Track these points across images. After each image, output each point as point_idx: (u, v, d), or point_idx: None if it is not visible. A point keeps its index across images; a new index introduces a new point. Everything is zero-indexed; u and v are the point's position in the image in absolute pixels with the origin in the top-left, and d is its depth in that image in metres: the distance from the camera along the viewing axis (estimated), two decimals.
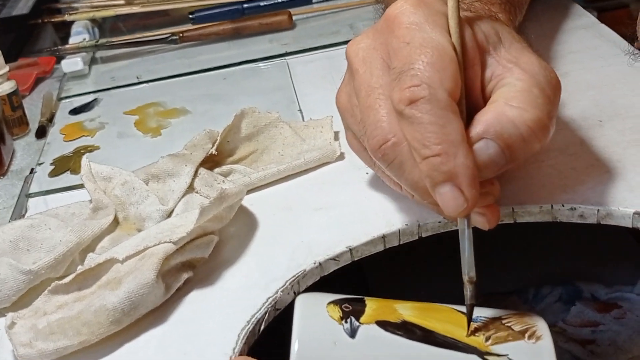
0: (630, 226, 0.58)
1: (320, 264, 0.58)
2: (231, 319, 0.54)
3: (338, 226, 0.61)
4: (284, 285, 0.56)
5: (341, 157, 0.70)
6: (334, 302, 0.51)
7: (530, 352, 0.49)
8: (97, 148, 0.78)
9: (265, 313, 0.54)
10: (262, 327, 0.54)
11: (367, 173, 0.67)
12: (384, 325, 0.49)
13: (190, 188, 0.64)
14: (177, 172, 0.64)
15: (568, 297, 0.74)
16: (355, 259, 0.59)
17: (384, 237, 0.60)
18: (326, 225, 0.61)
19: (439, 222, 0.60)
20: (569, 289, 0.75)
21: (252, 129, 0.71)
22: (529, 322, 0.51)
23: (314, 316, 0.50)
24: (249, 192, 0.66)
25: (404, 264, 0.78)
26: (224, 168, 0.68)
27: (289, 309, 0.56)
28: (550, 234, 0.61)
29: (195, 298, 0.56)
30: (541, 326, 0.51)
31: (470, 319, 0.50)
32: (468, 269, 0.51)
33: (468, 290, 0.51)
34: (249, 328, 0.53)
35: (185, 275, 0.57)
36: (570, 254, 0.78)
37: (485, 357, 0.48)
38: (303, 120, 0.77)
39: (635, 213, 0.57)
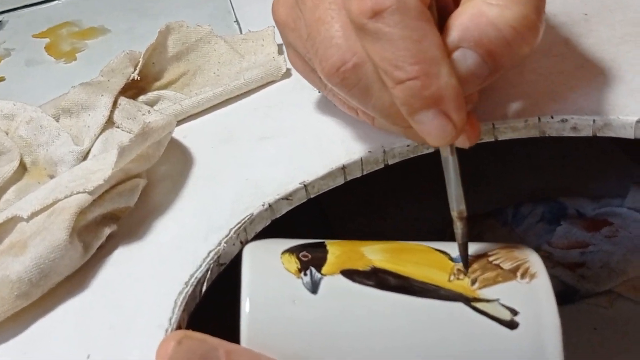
0: (632, 137, 0.49)
1: (270, 205, 0.48)
2: (166, 281, 0.44)
3: (289, 158, 0.51)
4: (228, 235, 0.47)
5: (287, 74, 0.60)
6: (290, 251, 0.43)
7: (524, 293, 0.41)
8: (2, 79, 0.67)
9: (207, 271, 0.45)
10: (204, 289, 0.45)
11: (319, 92, 0.57)
12: (351, 274, 0.41)
13: (110, 122, 0.54)
14: (92, 103, 0.54)
15: (551, 215, 0.65)
16: (312, 196, 0.50)
17: (344, 168, 0.50)
18: (275, 158, 0.52)
19: (407, 145, 0.51)
20: (551, 207, 0.66)
21: (181, 47, 0.60)
22: (519, 257, 0.44)
23: (267, 270, 0.42)
24: (181, 122, 0.56)
25: (371, 198, 0.69)
26: (150, 95, 0.58)
27: (236, 262, 0.46)
28: (526, 147, 0.53)
29: (121, 257, 0.47)
30: (534, 261, 0.43)
31: (466, 262, 0.42)
32: (456, 202, 0.43)
33: (459, 228, 0.43)
34: (187, 291, 0.44)
35: (107, 231, 0.47)
36: (550, 168, 0.70)
37: (473, 303, 0.41)
38: (241, 33, 0.66)
39: (638, 122, 0.48)
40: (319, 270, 0.41)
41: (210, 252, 0.46)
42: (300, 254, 0.42)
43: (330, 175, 0.50)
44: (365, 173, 0.51)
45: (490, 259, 0.44)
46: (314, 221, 0.69)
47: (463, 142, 0.45)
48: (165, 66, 0.60)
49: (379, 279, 0.41)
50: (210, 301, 0.46)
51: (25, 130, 0.53)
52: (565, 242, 0.63)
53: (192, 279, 0.44)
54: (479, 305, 0.41)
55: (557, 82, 0.53)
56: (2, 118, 0.54)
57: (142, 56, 0.58)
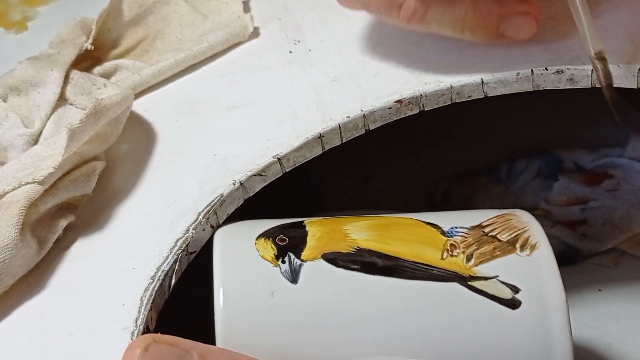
0: (635, 87, 0.45)
1: (241, 183, 0.44)
2: (130, 276, 0.40)
3: (260, 129, 0.47)
4: (196, 220, 0.42)
5: (255, 33, 0.55)
6: (265, 235, 0.40)
7: (525, 267, 0.39)
8: None
9: (176, 262, 0.41)
10: (174, 282, 0.41)
11: (290, 52, 0.53)
12: (334, 258, 0.38)
13: (63, 99, 0.49)
14: (41, 80, 0.49)
15: (548, 170, 0.61)
16: (288, 170, 0.46)
17: (321, 136, 0.46)
18: (244, 130, 0.47)
19: (389, 108, 0.46)
20: (547, 160, 0.62)
21: (138, 10, 0.55)
22: (517, 227, 0.41)
23: (241, 258, 0.38)
24: (140, 93, 0.52)
25: (354, 161, 0.65)
26: (107, 66, 0.53)
27: (208, 250, 0.42)
28: (519, 98, 0.49)
29: (80, 251, 0.42)
30: (534, 230, 0.41)
31: (616, 106, 0.42)
32: (592, 43, 0.41)
33: (600, 70, 0.41)
34: (154, 287, 0.39)
35: (63, 222, 0.42)
36: (545, 119, 0.66)
37: (469, 282, 0.38)
38: None
39: None
40: (298, 255, 0.38)
41: (177, 240, 0.42)
42: (277, 238, 0.39)
43: (306, 145, 0.46)
44: (344, 141, 0.47)
45: (486, 230, 0.41)
46: (295, 191, 0.65)
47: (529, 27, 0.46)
48: (122, 32, 0.55)
49: (365, 261, 0.38)
50: (180, 296, 0.42)
51: None
52: (564, 198, 0.59)
53: (159, 273, 0.40)
54: (476, 284, 0.38)
55: (550, 30, 0.48)
56: None
57: (95, 23, 0.53)
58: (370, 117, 0.46)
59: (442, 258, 0.39)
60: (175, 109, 0.50)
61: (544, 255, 0.39)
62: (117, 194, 0.45)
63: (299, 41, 0.54)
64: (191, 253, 0.42)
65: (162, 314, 0.40)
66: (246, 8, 0.56)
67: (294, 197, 0.67)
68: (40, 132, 0.47)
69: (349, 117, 0.46)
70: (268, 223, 0.41)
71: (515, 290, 0.38)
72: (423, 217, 0.42)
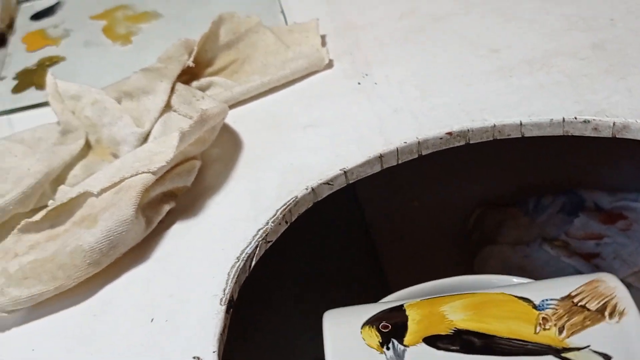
0: None
1: (313, 189, 0.53)
2: (219, 255, 0.49)
3: (330, 145, 0.56)
4: (274, 215, 0.51)
5: (329, 65, 0.64)
6: (369, 323, 0.42)
7: (615, 335, 0.40)
8: (63, 59, 0.71)
9: (256, 247, 0.50)
10: (254, 263, 0.50)
11: (359, 83, 0.62)
12: (434, 341, 0.41)
13: (168, 106, 0.59)
14: (152, 89, 0.58)
15: (571, 207, 0.70)
16: (351, 182, 0.55)
17: (381, 157, 0.55)
18: (317, 145, 0.56)
19: (440, 138, 0.55)
20: (571, 198, 0.71)
21: (232, 36, 0.65)
22: (605, 293, 0.42)
23: (349, 349, 0.41)
24: (230, 107, 0.61)
25: (399, 178, 0.74)
26: (203, 81, 0.62)
27: (280, 239, 0.51)
28: (550, 139, 0.57)
29: (178, 232, 0.52)
30: (621, 295, 0.42)
31: None
32: None
33: None
34: (239, 265, 0.49)
35: (167, 207, 0.52)
36: (571, 160, 0.74)
37: (563, 354, 0.40)
38: (286, 23, 0.70)
39: None
40: (401, 341, 0.41)
41: (259, 230, 0.51)
42: (380, 325, 0.42)
43: (368, 163, 0.55)
44: (400, 162, 0.56)
45: (576, 300, 0.42)
46: (345, 206, 0.73)
47: None
48: (217, 54, 0.64)
49: (464, 341, 0.40)
50: (255, 272, 0.51)
51: (90, 111, 0.58)
52: (582, 233, 0.67)
53: (243, 254, 0.49)
54: (569, 355, 0.39)
55: (581, 85, 0.57)
56: (69, 99, 0.58)
57: (196, 44, 0.63)
58: (424, 145, 0.55)
59: (535, 332, 0.41)
60: (259, 123, 0.59)
61: (632, 321, 0.40)
62: (210, 188, 0.54)
63: (366, 75, 0.63)
64: (268, 242, 0.51)
65: (245, 290, 0.49)
66: (323, 42, 0.66)
67: (344, 212, 0.76)
68: (149, 132, 0.57)
69: (406, 142, 0.55)
70: (370, 309, 0.43)
71: (607, 358, 0.39)
72: (515, 292, 0.43)
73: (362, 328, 0.41)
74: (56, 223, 0.50)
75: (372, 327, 0.41)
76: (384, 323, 0.41)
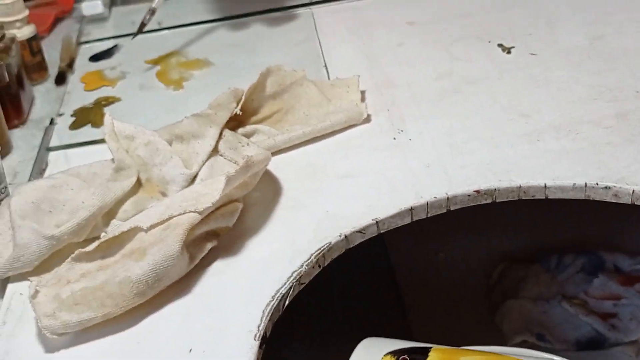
0: None
1: (346, 236, 0.57)
2: (255, 293, 0.53)
3: (364, 196, 0.60)
4: (309, 259, 0.55)
5: (367, 119, 0.68)
6: (392, 354, 0.46)
7: None
8: (118, 100, 0.76)
9: (290, 288, 0.54)
10: (287, 303, 0.54)
11: (394, 138, 0.65)
12: None
13: (215, 150, 0.63)
14: (201, 133, 0.63)
15: (591, 267, 0.73)
16: (382, 232, 0.58)
17: (411, 209, 0.58)
18: (352, 195, 0.60)
19: (469, 195, 0.59)
20: (591, 259, 0.74)
21: (278, 88, 0.69)
22: None
23: None
24: (273, 154, 0.65)
25: (426, 230, 0.77)
26: (248, 128, 0.67)
27: (313, 282, 0.55)
28: (573, 201, 0.60)
29: (219, 269, 0.55)
30: None
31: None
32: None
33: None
34: (273, 304, 0.52)
35: (209, 245, 0.56)
36: (594, 221, 0.77)
37: None
38: (328, 77, 0.75)
39: None
40: None
41: (293, 272, 0.54)
42: (400, 357, 0.45)
43: (399, 214, 0.58)
44: (429, 216, 0.59)
45: None
46: (372, 245, 0.77)
47: None
48: (263, 103, 0.69)
49: None
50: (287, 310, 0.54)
51: (143, 151, 0.62)
52: (601, 293, 0.70)
53: (277, 294, 0.53)
54: None
55: (604, 152, 0.60)
56: (124, 138, 0.63)
57: (244, 93, 0.67)
58: (453, 200, 0.59)
59: None
60: (299, 171, 0.63)
61: None
62: (249, 229, 0.58)
63: (402, 130, 0.66)
64: (302, 283, 0.55)
65: (275, 327, 0.53)
66: (363, 97, 0.70)
67: (372, 257, 0.79)
68: (197, 174, 0.61)
69: (435, 197, 0.59)
70: (402, 343, 0.46)
71: None
72: (534, 353, 0.46)
73: (384, 355, 0.44)
74: (107, 254, 0.54)
75: (394, 356, 0.44)
76: (404, 356, 0.44)
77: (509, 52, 0.74)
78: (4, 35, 0.74)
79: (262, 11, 0.89)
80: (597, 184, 0.58)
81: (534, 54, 0.73)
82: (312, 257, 0.55)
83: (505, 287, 0.74)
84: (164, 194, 0.61)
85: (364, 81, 0.72)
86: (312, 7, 0.88)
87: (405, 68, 0.75)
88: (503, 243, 0.76)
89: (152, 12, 0.79)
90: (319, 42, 0.81)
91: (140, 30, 0.80)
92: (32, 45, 0.80)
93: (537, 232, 0.77)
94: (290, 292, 0.54)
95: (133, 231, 0.54)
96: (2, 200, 0.61)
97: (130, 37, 0.85)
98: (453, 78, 0.72)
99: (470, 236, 0.77)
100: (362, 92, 0.70)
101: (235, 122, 0.67)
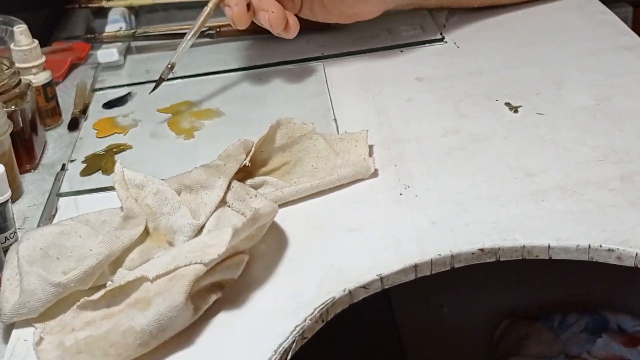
0: None
1: (350, 291, 0.57)
2: (258, 346, 0.53)
3: (369, 251, 0.60)
4: (312, 314, 0.55)
5: (375, 174, 0.69)
6: None
7: None
8: (130, 147, 0.77)
9: (293, 342, 0.54)
10: (289, 358, 0.54)
11: (400, 194, 0.66)
12: None
13: (223, 201, 0.64)
14: (210, 184, 0.64)
15: (594, 327, 0.73)
16: (386, 287, 0.59)
17: (416, 266, 0.59)
18: (357, 249, 0.61)
19: (473, 253, 0.59)
20: (595, 318, 0.74)
21: (287, 140, 0.70)
22: None
23: None
24: (280, 206, 0.65)
25: (430, 285, 0.77)
26: (257, 180, 0.67)
27: (316, 335, 0.55)
28: (576, 261, 0.60)
29: (222, 321, 0.56)
30: None
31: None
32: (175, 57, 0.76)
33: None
34: (276, 358, 0.53)
35: (214, 297, 0.56)
36: (596, 281, 0.77)
37: None
38: (337, 130, 0.76)
39: None
40: None
41: (296, 326, 0.55)
42: None
43: (403, 271, 0.59)
44: (433, 273, 0.60)
45: None
46: (376, 298, 0.77)
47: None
48: (271, 155, 0.69)
49: None
50: None
51: (152, 200, 0.63)
52: (604, 353, 0.70)
53: (280, 348, 0.53)
54: None
55: (608, 214, 0.60)
56: (134, 187, 0.64)
57: (253, 145, 0.68)
58: (457, 258, 0.59)
59: None
60: (306, 223, 0.64)
61: None
62: (254, 282, 0.59)
63: (408, 186, 0.67)
64: (304, 338, 0.55)
65: None
66: (371, 152, 0.70)
67: (375, 310, 0.80)
68: (204, 225, 0.62)
69: (440, 255, 0.59)
70: None
71: None
72: None
73: None
74: (112, 303, 0.55)
75: None
76: None
77: (516, 111, 0.75)
78: (20, 81, 0.76)
79: (274, 63, 0.90)
80: (601, 246, 0.58)
81: (541, 114, 0.74)
82: (316, 311, 0.56)
83: (509, 344, 0.74)
84: (170, 244, 0.61)
85: (372, 135, 0.72)
86: (323, 60, 0.90)
87: (414, 124, 0.76)
88: (507, 300, 0.76)
89: (172, 66, 0.81)
90: (330, 96, 0.82)
91: (158, 85, 0.82)
92: (47, 91, 0.82)
93: (540, 289, 0.77)
94: (293, 347, 0.54)
95: (139, 280, 0.55)
96: (10, 245, 0.61)
97: (145, 86, 0.87)
98: (460, 135, 0.73)
99: (474, 292, 0.78)
100: (370, 147, 0.71)
101: (244, 173, 0.68)
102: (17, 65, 0.78)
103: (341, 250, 0.61)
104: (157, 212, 0.63)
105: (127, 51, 0.97)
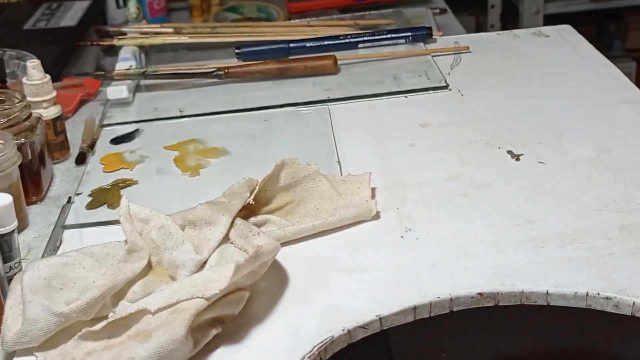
0: None
1: (349, 331, 0.58)
2: None
3: (369, 292, 0.61)
4: (310, 351, 0.56)
5: (377, 216, 0.70)
6: None
7: None
8: (136, 182, 0.78)
9: None
10: None
11: (401, 237, 0.67)
12: None
13: (226, 238, 0.64)
14: (214, 220, 0.64)
15: None
16: (385, 328, 0.59)
17: (415, 308, 0.59)
18: (357, 290, 0.61)
19: (471, 297, 0.60)
20: None
21: (291, 180, 0.71)
22: None
23: None
24: (282, 244, 0.66)
25: (429, 328, 0.78)
26: (260, 218, 0.68)
27: None
28: (572, 308, 0.60)
29: (222, 355, 0.56)
30: None
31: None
32: None
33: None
34: None
35: (214, 332, 0.57)
36: (594, 328, 0.77)
37: None
38: (341, 172, 0.77)
39: None
40: None
41: None
42: None
43: (402, 312, 0.59)
44: (432, 315, 0.60)
45: None
46: (374, 339, 0.77)
47: None
48: (275, 194, 0.70)
49: None
50: None
51: (156, 234, 0.64)
52: None
53: None
54: None
55: (607, 263, 0.61)
56: (139, 221, 0.65)
57: (258, 184, 0.69)
58: (456, 302, 0.60)
59: None
60: (307, 263, 0.65)
61: None
62: (254, 318, 0.59)
63: (409, 229, 0.68)
64: None
65: None
66: (373, 194, 0.71)
67: (373, 352, 0.79)
68: (206, 260, 0.62)
69: (439, 298, 0.60)
70: None
71: None
72: None
73: None
74: (113, 334, 0.55)
75: None
76: None
77: (517, 159, 0.76)
78: (30, 114, 0.77)
79: (280, 105, 0.92)
80: (599, 294, 0.59)
81: (542, 162, 0.75)
82: (314, 349, 0.56)
83: None
84: (173, 278, 0.62)
85: (375, 178, 0.73)
86: (328, 103, 0.91)
87: (417, 169, 0.77)
88: (505, 345, 0.76)
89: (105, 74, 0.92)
90: (334, 138, 0.83)
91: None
92: (57, 124, 0.83)
93: (539, 335, 0.77)
94: None
95: (140, 313, 0.55)
96: (15, 274, 0.62)
97: (153, 123, 0.88)
98: (462, 181, 0.74)
99: (472, 336, 0.78)
100: (373, 189, 0.72)
101: (247, 211, 0.69)
102: (28, 98, 0.79)
103: (341, 290, 0.61)
104: (161, 247, 0.63)
105: (136, 89, 0.99)
